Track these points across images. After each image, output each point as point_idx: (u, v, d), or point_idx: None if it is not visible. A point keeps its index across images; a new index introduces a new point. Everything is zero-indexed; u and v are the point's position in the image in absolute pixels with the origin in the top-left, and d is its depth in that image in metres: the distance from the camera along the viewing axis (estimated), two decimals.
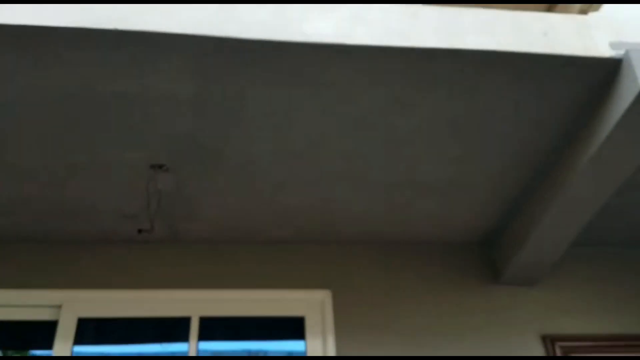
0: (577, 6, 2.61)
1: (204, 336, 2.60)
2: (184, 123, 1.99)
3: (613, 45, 1.85)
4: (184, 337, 2.61)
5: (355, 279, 2.76)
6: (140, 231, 2.27)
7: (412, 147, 2.18)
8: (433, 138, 2.13)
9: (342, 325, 2.60)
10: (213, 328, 2.69)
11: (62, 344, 2.43)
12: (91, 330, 2.57)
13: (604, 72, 1.86)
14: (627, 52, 1.84)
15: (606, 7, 2.03)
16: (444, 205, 2.58)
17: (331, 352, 2.51)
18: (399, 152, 2.21)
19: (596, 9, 2.05)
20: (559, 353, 2.60)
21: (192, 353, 2.52)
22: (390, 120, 2.04)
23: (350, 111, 1.99)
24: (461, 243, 2.92)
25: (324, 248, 2.84)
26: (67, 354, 2.42)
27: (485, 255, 2.93)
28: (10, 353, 4.93)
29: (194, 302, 2.60)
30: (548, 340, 2.63)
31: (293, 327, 2.71)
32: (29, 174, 2.20)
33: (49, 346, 2.52)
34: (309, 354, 2.55)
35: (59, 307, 2.49)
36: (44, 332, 2.55)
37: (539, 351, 2.60)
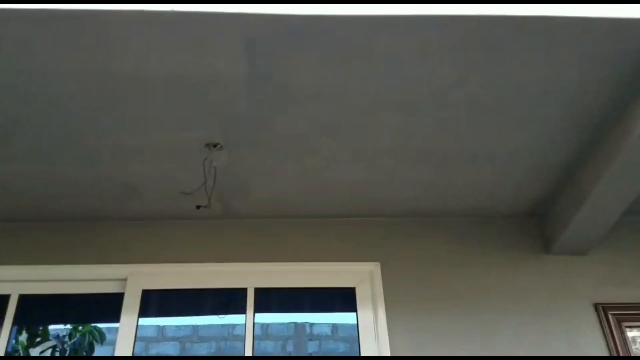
0: None
1: (259, 307, 2.70)
2: (237, 102, 2.06)
3: None
4: (241, 309, 2.73)
5: (404, 251, 2.81)
6: (198, 207, 2.38)
7: (461, 117, 2.18)
8: (483, 107, 2.14)
9: (392, 296, 2.67)
10: (268, 300, 2.80)
11: (128, 315, 2.57)
12: (155, 302, 2.72)
13: None
14: None
15: None
16: (493, 176, 2.58)
17: (382, 322, 2.58)
18: (446, 123, 2.22)
19: None
20: (612, 321, 2.59)
21: (249, 324, 2.61)
22: (439, 91, 2.05)
23: (399, 83, 2.01)
24: (511, 214, 2.92)
25: (372, 221, 2.89)
26: (133, 325, 2.56)
27: (536, 226, 2.92)
28: (80, 326, 5.24)
29: (250, 274, 2.71)
30: (600, 308, 2.63)
31: (344, 298, 2.79)
32: (95, 157, 2.32)
33: (116, 319, 2.69)
34: (361, 324, 2.63)
35: (125, 280, 2.65)
36: (111, 305, 2.71)
37: (592, 320, 2.60)
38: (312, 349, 7.87)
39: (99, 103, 2.03)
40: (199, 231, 2.79)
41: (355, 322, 2.69)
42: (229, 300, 2.88)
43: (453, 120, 2.20)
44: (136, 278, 2.64)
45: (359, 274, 2.76)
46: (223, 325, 8.31)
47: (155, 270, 2.67)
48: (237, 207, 2.74)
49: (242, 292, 2.70)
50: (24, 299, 2.65)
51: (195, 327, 8.29)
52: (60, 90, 1.96)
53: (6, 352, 2.56)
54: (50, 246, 2.70)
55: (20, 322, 2.66)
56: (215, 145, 2.30)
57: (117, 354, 2.48)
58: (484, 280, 2.73)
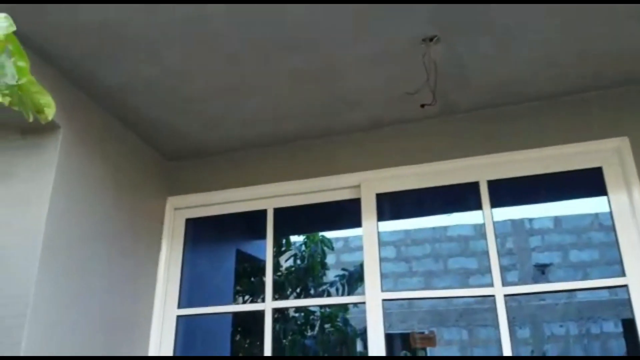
0: None
1: (495, 202, 2.63)
2: None
3: None
4: (474, 205, 2.70)
5: None
6: (423, 106, 2.35)
7: None
8: None
9: None
10: (503, 192, 2.72)
11: (368, 220, 2.73)
12: (388, 205, 2.85)
13: None
14: None
15: None
16: None
17: (639, 204, 2.33)
18: None
19: None
20: None
21: (488, 221, 2.56)
22: None
23: None
24: None
25: (610, 93, 2.55)
26: (374, 230, 2.70)
27: None
28: (323, 235, 5.85)
29: (480, 168, 2.63)
30: None
31: (589, 182, 2.57)
32: (309, 75, 2.40)
33: (355, 225, 2.90)
34: (614, 207, 2.40)
35: (358, 187, 2.81)
36: (351, 213, 2.91)
37: None
38: (534, 244, 7.67)
39: (303, 22, 2.06)
40: (422, 131, 2.77)
41: (580, 212, 2.50)
42: (462, 197, 2.87)
43: None
44: (369, 183, 2.78)
45: (604, 153, 2.49)
46: (434, 228, 8.53)
47: (385, 175, 2.75)
48: (459, 100, 2.64)
49: (474, 186, 2.66)
50: (276, 213, 2.99)
51: (407, 231, 8.64)
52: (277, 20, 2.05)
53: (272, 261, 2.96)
54: (293, 164, 2.95)
55: (274, 233, 3.01)
56: (431, 39, 2.21)
57: (366, 258, 2.65)
58: None
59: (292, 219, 3.40)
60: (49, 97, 1.22)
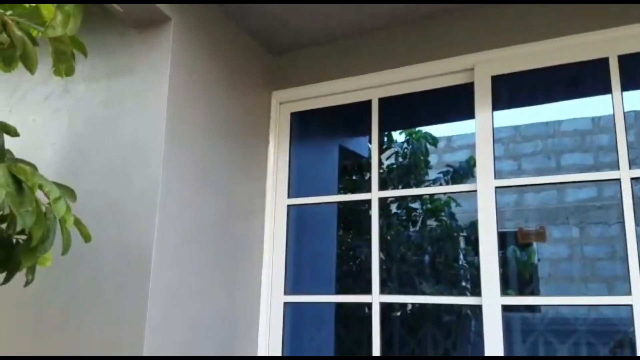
0: None
1: (625, 84, 2.34)
2: None
3: None
4: (600, 88, 2.43)
5: None
6: None
7: None
8: None
9: None
10: (635, 71, 2.42)
11: (482, 105, 2.56)
12: (506, 90, 2.64)
13: None
14: None
15: None
16: None
17: None
18: None
19: None
20: None
21: (617, 106, 2.31)
22: None
23: None
24: None
25: None
26: (488, 114, 2.53)
27: None
28: (426, 131, 5.73)
29: (611, 42, 2.34)
30: None
31: None
32: None
33: (464, 116, 2.73)
34: None
35: (472, 70, 2.61)
36: (461, 101, 2.75)
37: None
38: None
39: None
40: (538, 8, 2.48)
41: None
42: (583, 77, 2.60)
43: None
44: (483, 65, 2.57)
45: None
46: (547, 123, 7.96)
47: (502, 55, 2.52)
48: None
49: (602, 64, 2.38)
50: (380, 103, 2.90)
51: (516, 127, 8.17)
52: None
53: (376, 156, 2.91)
54: (399, 49, 2.79)
55: (379, 126, 2.93)
56: None
57: (478, 144, 2.52)
58: None
59: (397, 111, 3.30)
60: None
